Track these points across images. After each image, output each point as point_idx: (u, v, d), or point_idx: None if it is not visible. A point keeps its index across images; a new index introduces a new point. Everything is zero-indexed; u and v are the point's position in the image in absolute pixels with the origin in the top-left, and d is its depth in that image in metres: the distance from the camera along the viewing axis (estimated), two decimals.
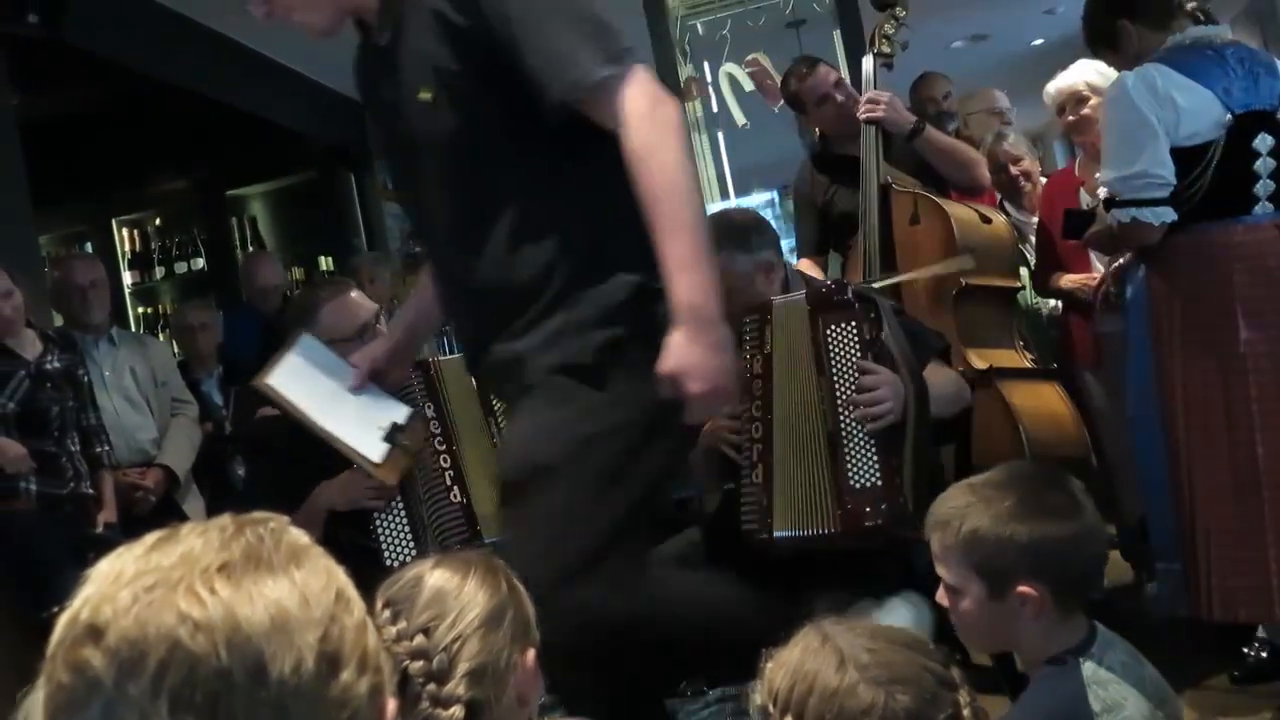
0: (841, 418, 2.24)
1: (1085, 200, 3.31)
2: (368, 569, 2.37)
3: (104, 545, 3.14)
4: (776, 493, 2.28)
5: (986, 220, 3.17)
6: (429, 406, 2.56)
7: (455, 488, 2.53)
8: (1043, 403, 3.07)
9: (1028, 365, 3.21)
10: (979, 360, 3.01)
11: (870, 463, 2.21)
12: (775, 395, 2.33)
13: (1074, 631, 1.54)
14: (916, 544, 2.36)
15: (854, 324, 2.27)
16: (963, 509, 1.57)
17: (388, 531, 2.52)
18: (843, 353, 2.27)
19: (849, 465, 2.22)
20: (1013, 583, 1.51)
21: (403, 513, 2.53)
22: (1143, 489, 2.78)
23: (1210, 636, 2.77)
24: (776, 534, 2.27)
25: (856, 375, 2.25)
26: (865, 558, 2.29)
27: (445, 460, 2.55)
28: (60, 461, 3.22)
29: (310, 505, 2.54)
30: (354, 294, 2.72)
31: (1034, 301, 3.79)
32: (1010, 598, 1.52)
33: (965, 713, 1.15)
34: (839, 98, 3.41)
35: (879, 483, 2.20)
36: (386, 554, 2.50)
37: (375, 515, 2.54)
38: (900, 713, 1.11)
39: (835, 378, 2.27)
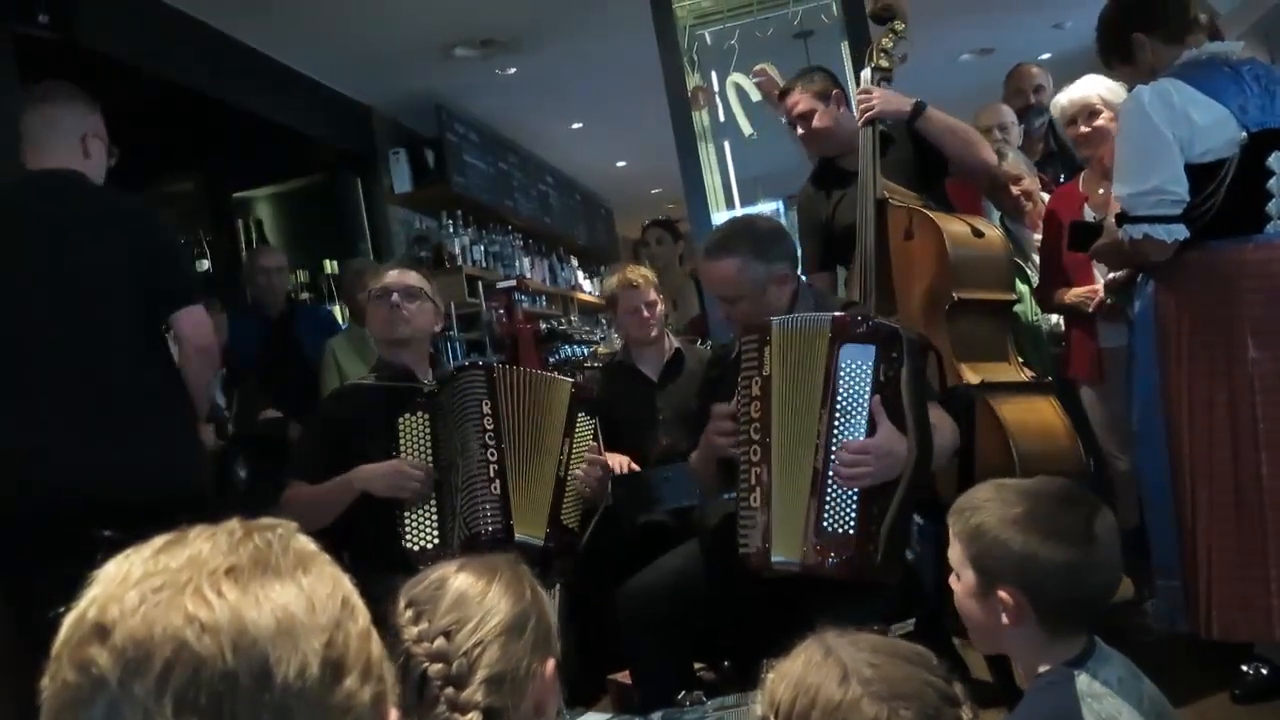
0: (833, 457, 2.20)
1: (1089, 215, 3.31)
2: (384, 546, 2.45)
3: (101, 544, 3.16)
4: (775, 519, 2.26)
5: (979, 234, 3.16)
6: (486, 404, 2.65)
7: (497, 480, 2.60)
8: (1035, 417, 3.06)
9: (1023, 379, 3.20)
10: (972, 374, 3.01)
11: (848, 509, 2.17)
12: (774, 419, 2.29)
13: (1069, 647, 1.54)
14: (920, 563, 2.36)
15: (869, 361, 2.21)
16: (980, 502, 1.59)
17: (413, 516, 2.60)
18: (851, 389, 2.21)
19: (827, 506, 2.18)
20: (996, 585, 1.53)
21: (432, 501, 2.61)
22: (1144, 505, 2.77)
23: (1210, 653, 2.76)
24: (774, 559, 2.25)
25: (862, 417, 2.19)
26: None
27: (492, 454, 2.62)
28: None
29: (344, 483, 2.62)
30: None
31: (1035, 318, 3.79)
32: (993, 598, 1.54)
33: None
34: (812, 125, 3.41)
35: (851, 531, 2.17)
36: (409, 538, 2.58)
37: (404, 500, 2.61)
38: None
39: (837, 414, 2.21)
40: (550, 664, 1.35)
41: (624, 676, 2.92)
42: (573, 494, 2.75)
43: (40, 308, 2.45)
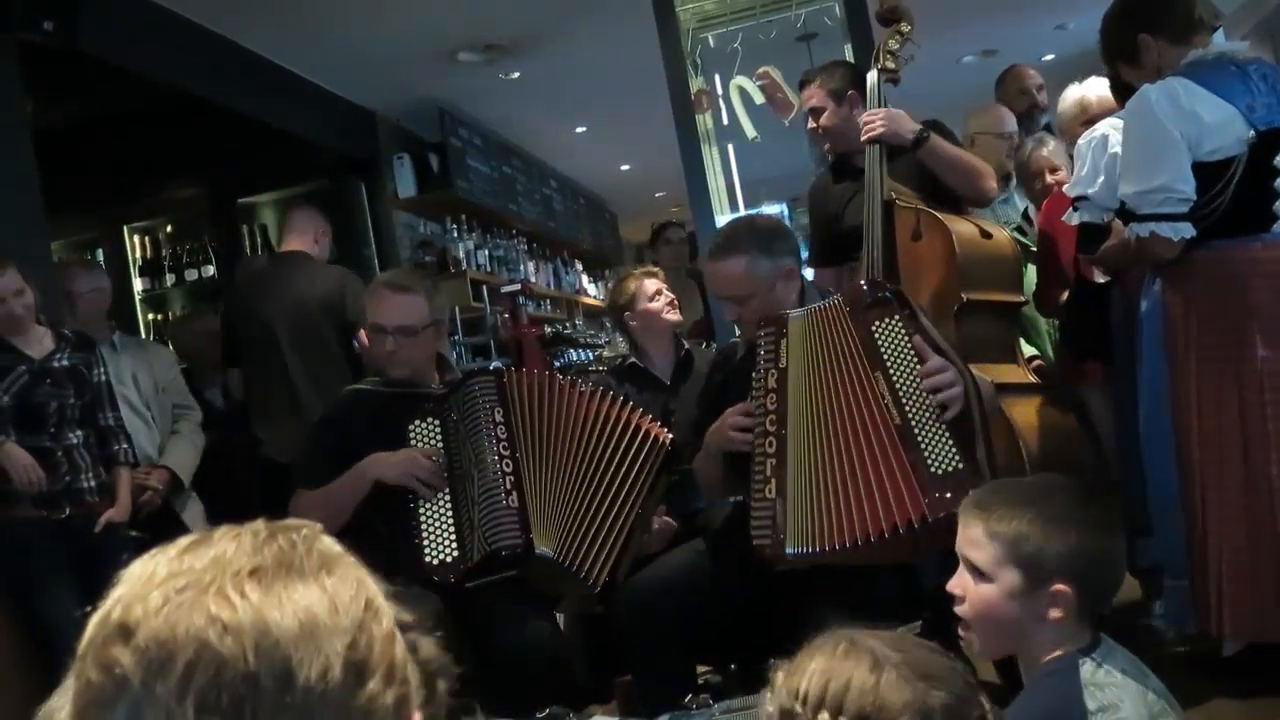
0: (908, 408, 2.20)
1: None
2: (402, 560, 2.43)
3: (102, 552, 3.19)
4: (791, 509, 2.26)
5: (987, 235, 3.16)
6: (498, 411, 2.59)
7: (514, 493, 2.54)
8: (1044, 418, 3.05)
9: (1031, 380, 3.20)
10: (981, 376, 3.00)
11: (948, 448, 2.16)
12: (790, 411, 2.31)
13: (1079, 640, 1.56)
14: (921, 565, 2.36)
15: (897, 318, 2.29)
16: (1007, 503, 1.60)
17: (430, 528, 2.54)
18: (895, 345, 2.27)
19: (927, 454, 2.16)
20: (1050, 580, 1.54)
21: (449, 512, 2.55)
22: (1151, 506, 2.77)
23: (1218, 655, 2.76)
24: (789, 550, 2.24)
25: (915, 365, 2.24)
26: (871, 574, 2.29)
27: (507, 465, 2.56)
28: (55, 456, 3.23)
29: (358, 471, 2.59)
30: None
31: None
32: (1043, 594, 1.55)
33: (989, 717, 1.17)
34: (820, 123, 3.41)
35: (960, 466, 2.14)
36: (427, 550, 2.52)
37: (420, 512, 2.57)
38: (939, 708, 1.12)
39: (893, 370, 2.24)
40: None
41: (631, 680, 2.92)
42: (636, 546, 2.68)
43: (284, 330, 4.17)
